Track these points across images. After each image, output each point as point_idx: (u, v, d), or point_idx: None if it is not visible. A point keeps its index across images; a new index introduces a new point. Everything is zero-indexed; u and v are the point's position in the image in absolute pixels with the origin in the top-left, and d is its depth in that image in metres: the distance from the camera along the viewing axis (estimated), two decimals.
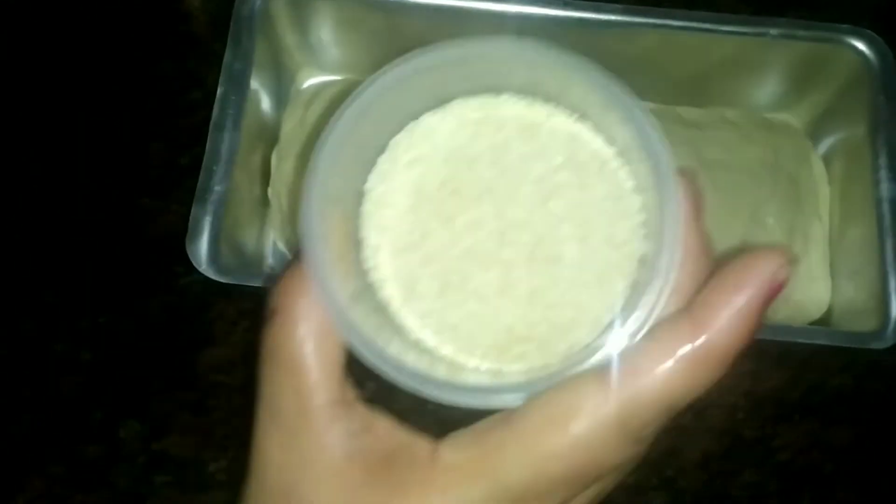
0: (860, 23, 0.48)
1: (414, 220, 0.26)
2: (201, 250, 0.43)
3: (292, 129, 0.52)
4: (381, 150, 0.27)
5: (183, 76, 0.57)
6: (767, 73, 0.51)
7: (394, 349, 0.24)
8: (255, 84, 0.48)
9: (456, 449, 0.23)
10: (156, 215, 0.54)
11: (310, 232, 0.24)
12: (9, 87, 0.57)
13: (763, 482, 0.50)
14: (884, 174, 0.45)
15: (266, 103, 0.51)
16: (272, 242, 0.52)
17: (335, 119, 0.24)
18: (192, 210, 0.44)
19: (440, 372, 0.25)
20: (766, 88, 0.52)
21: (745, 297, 0.21)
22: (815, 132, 0.53)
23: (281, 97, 0.53)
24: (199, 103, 0.55)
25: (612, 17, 0.47)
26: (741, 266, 0.22)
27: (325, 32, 0.52)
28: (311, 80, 0.55)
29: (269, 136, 0.52)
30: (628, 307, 0.23)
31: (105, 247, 0.53)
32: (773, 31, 0.47)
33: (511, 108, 0.27)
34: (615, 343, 0.22)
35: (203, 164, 0.45)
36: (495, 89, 0.27)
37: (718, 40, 0.48)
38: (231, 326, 0.51)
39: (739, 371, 0.51)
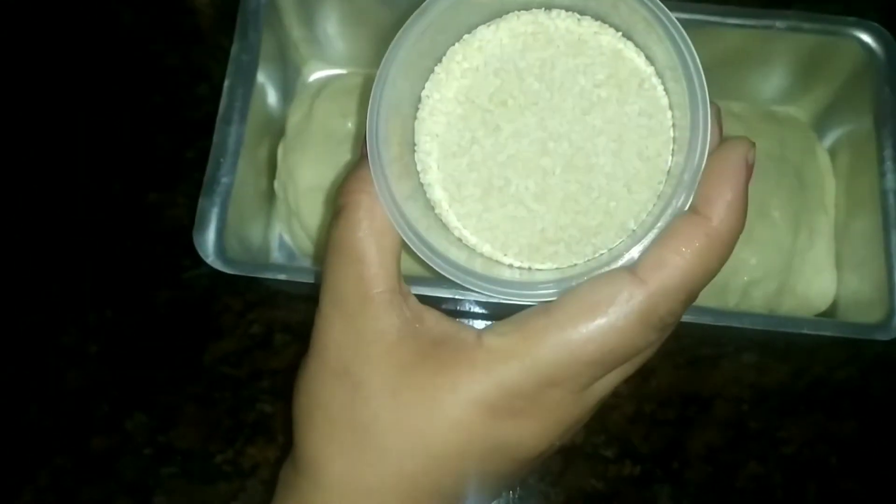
0: (866, 15, 0.48)
1: (463, 128, 0.28)
2: (208, 241, 0.44)
3: (298, 122, 0.52)
4: (439, 59, 0.29)
5: (189, 70, 0.57)
6: (773, 65, 0.50)
7: (440, 245, 0.27)
8: (261, 77, 0.48)
9: (499, 335, 0.26)
10: (162, 209, 0.54)
11: (374, 135, 0.26)
12: (14, 81, 0.57)
13: (768, 474, 0.50)
14: (889, 166, 0.45)
15: (272, 96, 0.51)
16: (278, 235, 0.53)
17: (402, 35, 0.27)
18: (200, 201, 0.44)
19: (478, 267, 0.27)
20: (771, 81, 0.52)
21: (732, 186, 0.25)
22: (820, 125, 0.53)
23: (287, 90, 0.53)
24: (205, 97, 0.56)
25: None
26: (721, 161, 0.25)
27: (331, 26, 0.52)
28: (317, 74, 0.55)
29: (275, 130, 0.52)
30: (653, 215, 0.26)
31: (112, 240, 0.53)
32: (779, 24, 0.47)
33: (561, 24, 0.28)
34: (642, 241, 0.25)
35: (210, 155, 0.45)
36: (547, 5, 0.29)
37: (724, 33, 0.48)
38: (237, 319, 0.52)
39: (744, 363, 0.52)
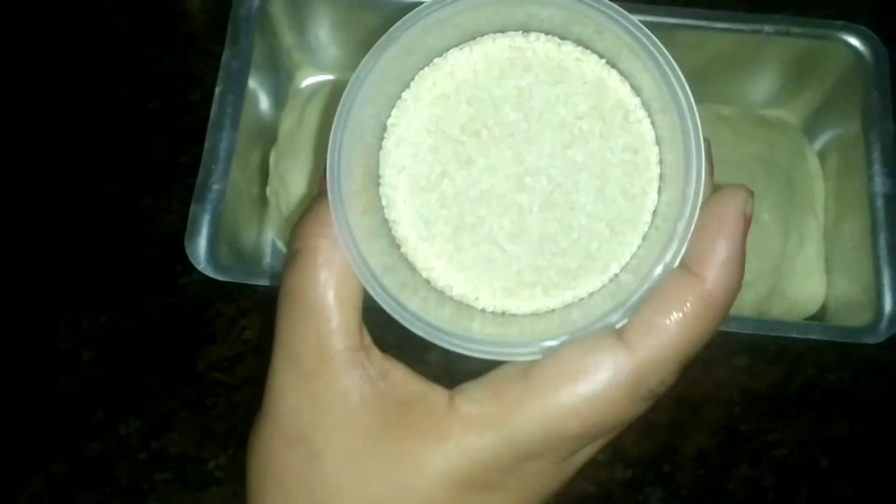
0: (855, 18, 0.48)
1: (433, 161, 0.26)
2: (200, 249, 0.44)
3: (290, 128, 0.52)
4: (407, 84, 0.26)
5: (183, 76, 0.57)
6: (762, 69, 0.51)
7: (406, 290, 0.24)
8: (252, 83, 0.48)
9: (473, 401, 0.24)
10: (156, 214, 0.54)
11: (336, 171, 0.24)
12: (8, 86, 0.57)
13: (759, 477, 0.50)
14: (877, 169, 0.45)
15: (264, 102, 0.51)
16: (271, 241, 0.53)
17: (368, 61, 0.24)
18: (191, 208, 0.44)
19: (448, 311, 0.25)
20: (761, 85, 0.52)
21: (728, 243, 0.23)
22: (810, 128, 0.53)
23: (279, 96, 0.53)
24: (198, 103, 0.56)
25: None
26: (716, 214, 0.23)
27: (323, 32, 0.53)
28: (308, 80, 0.55)
29: (268, 136, 0.52)
30: (642, 262, 0.24)
31: (106, 245, 0.53)
32: (768, 28, 0.48)
33: (540, 49, 0.26)
34: (630, 300, 0.23)
35: (202, 162, 0.45)
36: (526, 28, 0.26)
37: (713, 37, 0.48)
38: (230, 325, 0.52)
39: (735, 366, 0.52)
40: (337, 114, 0.24)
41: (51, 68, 0.57)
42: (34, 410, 0.51)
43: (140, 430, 0.50)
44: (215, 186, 0.45)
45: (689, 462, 0.50)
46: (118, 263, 0.53)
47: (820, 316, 0.49)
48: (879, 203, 0.45)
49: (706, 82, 0.52)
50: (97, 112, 0.56)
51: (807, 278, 0.49)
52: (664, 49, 0.24)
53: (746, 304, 0.48)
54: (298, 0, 0.50)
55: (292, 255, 0.24)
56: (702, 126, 0.24)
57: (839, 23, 0.48)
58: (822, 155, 0.52)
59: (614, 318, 0.23)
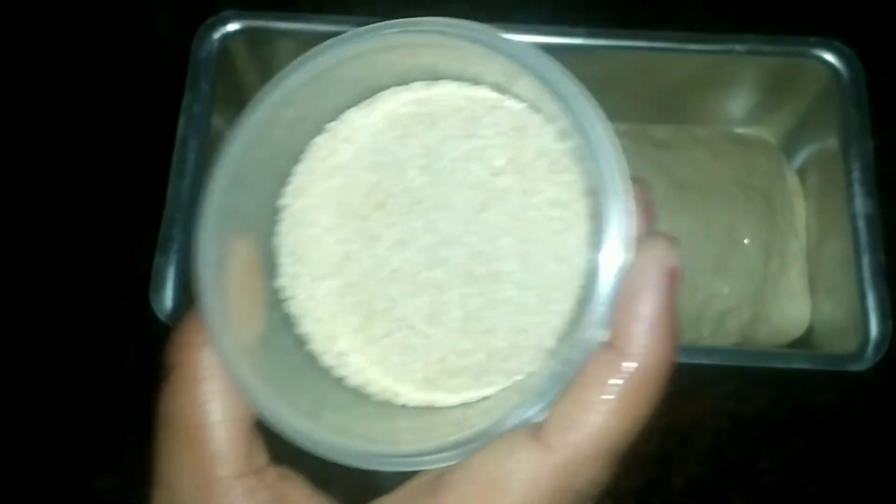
0: (833, 34, 0.47)
1: (334, 242, 0.23)
2: (165, 301, 0.43)
3: None
4: (297, 155, 0.23)
5: (151, 117, 0.56)
6: (737, 88, 0.50)
7: (309, 397, 0.21)
8: (217, 122, 0.47)
9: None
10: (129, 259, 0.53)
11: (202, 267, 0.20)
12: None
13: None
14: (857, 189, 0.44)
15: None
16: None
17: (240, 125, 0.21)
18: (155, 260, 0.43)
19: (366, 412, 0.22)
20: (737, 104, 0.51)
21: (651, 306, 0.19)
22: (788, 145, 0.52)
23: None
24: (168, 144, 0.55)
25: (576, 42, 0.46)
26: (633, 273, 0.20)
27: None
28: None
29: None
30: (571, 335, 0.21)
31: (76, 293, 0.52)
32: (739, 48, 0.47)
33: (448, 99, 0.23)
34: (543, 388, 0.20)
35: (164, 212, 0.44)
36: (431, 75, 0.23)
37: (685, 59, 0.47)
38: None
39: (723, 393, 0.50)
40: (202, 201, 0.20)
41: (17, 110, 0.56)
42: (6, 468, 0.49)
43: (116, 486, 0.49)
44: (179, 236, 0.44)
45: (680, 494, 0.49)
46: (88, 311, 0.52)
47: (806, 338, 0.48)
48: (861, 224, 0.44)
49: (681, 103, 0.51)
50: (68, 155, 0.55)
51: (791, 301, 0.48)
52: (577, 87, 0.20)
53: (731, 330, 0.47)
54: (260, 38, 0.49)
55: (167, 371, 0.21)
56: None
57: (813, 39, 0.47)
58: (802, 173, 0.51)
59: (529, 412, 0.20)
